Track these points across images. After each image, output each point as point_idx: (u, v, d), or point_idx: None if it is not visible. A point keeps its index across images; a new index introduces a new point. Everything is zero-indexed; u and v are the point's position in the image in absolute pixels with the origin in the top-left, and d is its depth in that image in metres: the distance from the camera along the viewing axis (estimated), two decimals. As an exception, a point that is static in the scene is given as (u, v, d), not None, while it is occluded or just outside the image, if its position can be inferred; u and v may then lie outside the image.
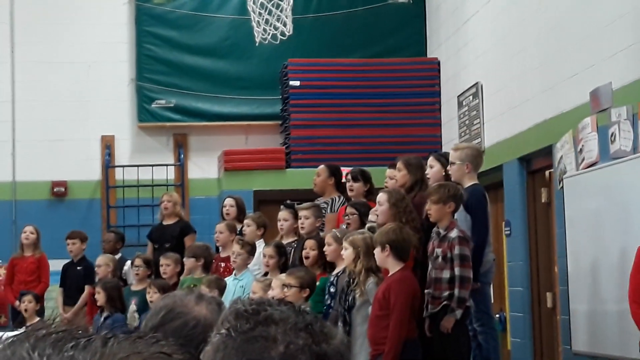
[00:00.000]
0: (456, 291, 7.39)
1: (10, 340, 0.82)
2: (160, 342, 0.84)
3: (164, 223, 11.51)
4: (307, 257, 8.68)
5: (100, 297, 10.15)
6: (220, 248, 10.40)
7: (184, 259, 10.17)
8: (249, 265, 9.48)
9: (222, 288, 9.04)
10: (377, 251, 7.46)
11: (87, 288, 11.47)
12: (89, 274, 11.56)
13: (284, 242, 9.50)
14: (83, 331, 0.83)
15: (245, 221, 10.07)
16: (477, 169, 8.30)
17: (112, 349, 0.81)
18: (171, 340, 0.86)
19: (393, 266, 7.46)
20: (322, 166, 10.14)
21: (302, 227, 9.30)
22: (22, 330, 0.85)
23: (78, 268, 11.66)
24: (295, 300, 7.92)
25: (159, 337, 0.85)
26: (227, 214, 10.67)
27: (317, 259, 8.64)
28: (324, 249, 8.49)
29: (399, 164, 8.72)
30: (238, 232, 10.18)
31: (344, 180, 9.98)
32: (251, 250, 9.45)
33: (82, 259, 11.76)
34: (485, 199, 8.12)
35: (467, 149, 8.47)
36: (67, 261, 11.77)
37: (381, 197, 8.11)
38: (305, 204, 9.60)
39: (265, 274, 9.11)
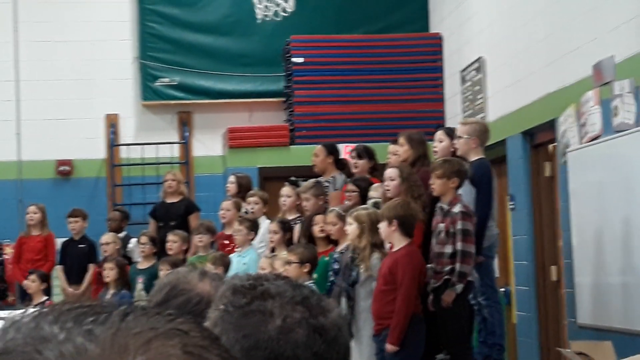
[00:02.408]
0: (457, 266, 7.42)
1: (34, 313, 0.85)
2: (178, 319, 0.86)
3: (168, 201, 11.53)
4: (319, 235, 8.72)
5: (112, 274, 10.19)
6: (224, 225, 10.43)
7: (194, 236, 10.22)
8: (253, 242, 9.51)
9: (227, 265, 9.08)
10: (383, 225, 7.48)
11: (91, 267, 11.50)
12: (91, 252, 11.59)
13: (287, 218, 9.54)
14: (106, 306, 0.85)
15: (252, 199, 10.07)
16: (484, 144, 8.30)
17: (129, 324, 0.83)
18: (189, 318, 0.88)
19: (399, 241, 7.49)
20: (319, 147, 10.16)
21: (306, 210, 9.33)
22: (29, 309, 0.87)
23: (80, 246, 11.67)
24: (296, 276, 7.96)
25: (177, 314, 0.87)
26: (228, 190, 10.73)
27: (327, 236, 8.69)
28: (329, 228, 8.52)
29: (401, 140, 8.73)
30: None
31: (343, 156, 10.01)
32: (251, 226, 9.47)
33: (83, 237, 11.77)
34: (491, 173, 8.13)
35: (475, 124, 8.48)
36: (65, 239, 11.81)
37: (392, 172, 8.12)
38: (304, 186, 9.61)
39: (273, 250, 9.15)
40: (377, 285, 7.55)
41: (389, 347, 7.36)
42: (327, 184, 9.77)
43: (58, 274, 11.68)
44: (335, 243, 8.63)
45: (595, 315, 8.15)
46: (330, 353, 1.53)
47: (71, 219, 11.74)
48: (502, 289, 10.04)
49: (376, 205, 8.17)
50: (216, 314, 1.58)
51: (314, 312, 1.55)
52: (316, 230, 8.76)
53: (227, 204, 10.42)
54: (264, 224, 9.68)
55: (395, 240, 7.52)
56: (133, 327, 0.82)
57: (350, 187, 8.92)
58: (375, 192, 8.52)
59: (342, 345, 1.56)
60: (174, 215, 11.33)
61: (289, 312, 1.54)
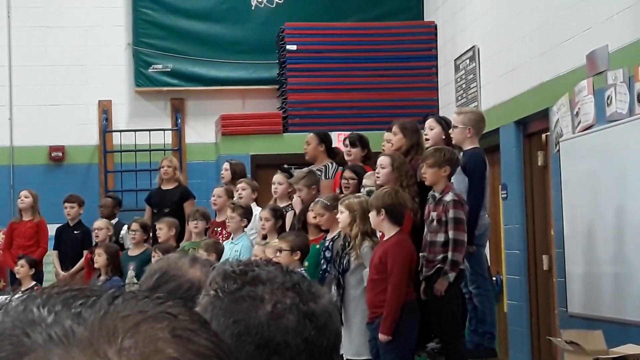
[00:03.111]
0: (450, 254, 7.42)
1: (23, 297, 0.85)
2: (167, 303, 0.86)
3: (163, 188, 11.52)
4: (312, 223, 8.73)
5: (101, 260, 10.20)
6: (216, 212, 10.43)
7: (190, 222, 10.22)
8: (246, 229, 9.51)
9: (219, 252, 9.08)
10: (372, 215, 7.49)
11: (85, 252, 11.50)
12: (86, 238, 11.59)
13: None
14: (95, 290, 0.85)
15: (240, 185, 10.08)
16: (479, 134, 8.30)
17: (117, 307, 0.83)
18: (178, 301, 0.88)
19: (389, 230, 7.50)
20: (311, 134, 10.14)
21: (301, 200, 9.34)
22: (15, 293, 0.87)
23: (75, 232, 11.68)
24: (287, 264, 7.95)
25: (166, 297, 0.87)
26: (222, 177, 10.74)
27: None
28: (317, 219, 8.52)
29: (395, 128, 8.72)
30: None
31: (336, 145, 10.00)
32: (244, 213, 9.47)
33: (78, 223, 11.78)
34: (484, 162, 8.13)
35: (471, 113, 8.48)
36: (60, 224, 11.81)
37: (384, 160, 8.12)
38: (296, 176, 9.60)
39: (265, 237, 9.15)
40: (369, 275, 7.56)
41: (382, 337, 7.37)
42: (318, 173, 9.76)
43: (53, 259, 11.69)
44: (328, 231, 8.63)
45: (586, 305, 8.17)
46: (320, 339, 1.53)
47: (67, 205, 11.74)
48: (494, 278, 10.06)
49: (370, 193, 8.17)
50: (206, 299, 1.57)
51: (304, 298, 1.54)
52: (310, 216, 8.75)
53: (218, 190, 10.43)
54: (254, 211, 9.69)
55: (385, 229, 7.53)
56: (121, 311, 0.82)
57: (349, 174, 8.90)
58: (369, 180, 8.51)
59: (332, 332, 1.56)
60: (169, 202, 11.32)
61: (280, 297, 1.53)
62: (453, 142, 8.20)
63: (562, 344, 6.59)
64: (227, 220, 9.53)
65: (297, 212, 9.18)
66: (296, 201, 9.36)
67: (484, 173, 8.07)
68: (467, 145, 8.13)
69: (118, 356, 0.78)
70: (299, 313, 1.52)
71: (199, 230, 10.13)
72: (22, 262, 10.86)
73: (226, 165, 10.89)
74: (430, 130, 8.50)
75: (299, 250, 8.09)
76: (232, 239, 9.50)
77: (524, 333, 9.72)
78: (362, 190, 8.53)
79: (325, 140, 10.08)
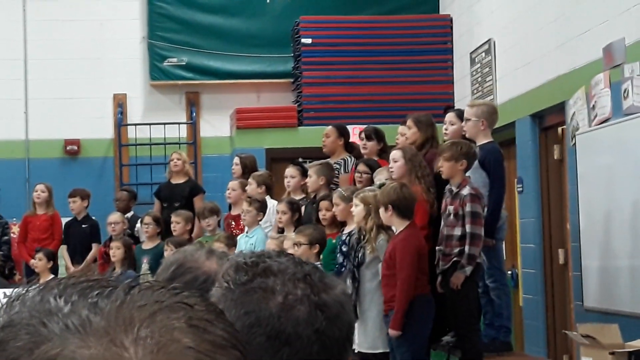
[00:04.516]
0: (466, 248, 7.42)
1: (40, 287, 0.85)
2: (183, 293, 0.86)
3: (173, 182, 11.53)
4: (324, 218, 8.73)
5: (119, 253, 10.23)
6: (231, 206, 10.44)
7: (202, 221, 10.23)
8: (260, 222, 9.53)
9: (235, 245, 9.10)
10: (381, 212, 7.49)
11: (94, 246, 11.52)
12: (94, 232, 11.61)
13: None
14: (112, 281, 0.85)
15: (249, 180, 10.12)
16: (492, 126, 8.29)
17: (134, 297, 0.83)
18: (194, 292, 0.88)
19: (398, 225, 7.49)
20: (330, 127, 10.13)
21: (308, 187, 9.37)
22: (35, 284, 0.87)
23: (83, 226, 11.68)
24: (306, 257, 7.97)
25: (182, 288, 0.87)
26: (233, 172, 10.74)
27: (333, 219, 8.68)
28: (333, 209, 8.53)
29: (409, 122, 8.72)
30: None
31: (352, 140, 10.00)
32: (260, 207, 9.48)
33: (86, 217, 11.77)
34: (501, 157, 8.13)
35: (483, 105, 8.46)
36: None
37: (396, 153, 8.12)
38: (312, 163, 9.62)
39: (281, 231, 9.15)
40: (382, 270, 7.57)
41: (391, 332, 7.38)
42: (337, 166, 9.77)
43: (62, 254, 11.71)
44: (342, 226, 8.63)
45: (602, 299, 8.15)
46: (332, 330, 1.52)
47: (70, 199, 11.73)
48: (509, 272, 10.05)
49: (382, 187, 8.16)
50: (219, 291, 1.57)
51: (315, 289, 1.53)
52: (320, 215, 8.76)
53: (233, 184, 10.44)
54: (268, 204, 9.70)
55: (394, 224, 7.52)
56: (138, 300, 0.83)
57: (362, 168, 8.91)
58: (381, 176, 8.50)
59: (345, 323, 1.55)
60: (179, 197, 11.33)
61: (291, 289, 1.52)
62: (467, 135, 8.18)
63: (578, 337, 6.57)
64: (242, 214, 9.53)
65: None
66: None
67: (502, 168, 8.08)
68: (480, 138, 8.11)
69: (134, 345, 0.78)
70: (310, 304, 1.51)
71: (212, 227, 10.14)
72: (39, 255, 10.88)
73: (236, 159, 10.87)
74: (451, 126, 8.48)
75: (317, 243, 8.09)
76: (246, 232, 9.51)
77: (539, 327, 9.70)
78: (375, 183, 8.53)
79: (344, 133, 10.08)
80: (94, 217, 11.76)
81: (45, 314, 0.81)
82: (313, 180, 9.30)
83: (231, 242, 9.14)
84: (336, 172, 9.68)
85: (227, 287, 1.55)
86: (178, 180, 11.50)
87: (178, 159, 11.56)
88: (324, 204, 8.78)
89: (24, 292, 0.85)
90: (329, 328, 1.51)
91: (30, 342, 0.79)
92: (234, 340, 0.84)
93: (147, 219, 10.70)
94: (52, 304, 0.82)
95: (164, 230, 10.66)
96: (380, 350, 7.69)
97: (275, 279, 1.53)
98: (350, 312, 1.60)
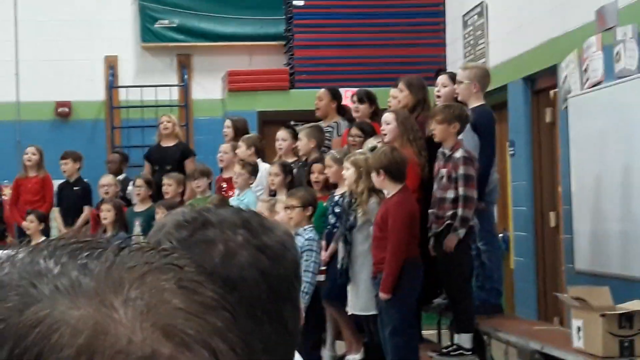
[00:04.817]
0: (460, 210, 7.43)
1: (30, 249, 0.85)
2: (173, 255, 0.86)
3: (163, 145, 11.49)
4: (316, 182, 8.74)
5: (110, 216, 10.23)
6: (222, 169, 10.44)
7: (192, 182, 10.22)
8: (251, 185, 9.53)
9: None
10: (373, 176, 7.49)
11: (86, 208, 11.51)
12: (86, 194, 11.58)
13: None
14: (101, 242, 0.85)
15: (239, 142, 10.10)
16: (484, 89, 8.28)
17: (123, 258, 0.83)
18: (184, 253, 0.88)
19: (391, 188, 7.49)
20: (323, 90, 10.11)
21: (298, 150, 9.38)
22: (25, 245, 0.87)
23: (75, 188, 11.65)
24: (299, 220, 7.99)
25: (172, 250, 0.87)
26: (225, 135, 10.70)
27: (325, 182, 8.70)
28: (325, 171, 8.54)
29: (401, 85, 8.71)
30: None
31: (344, 103, 9.98)
32: (252, 170, 9.49)
33: (78, 179, 11.73)
34: (493, 120, 8.13)
35: (475, 68, 8.45)
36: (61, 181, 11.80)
37: (388, 116, 8.12)
38: (303, 126, 9.62)
39: (273, 193, 9.16)
40: (373, 233, 7.57)
41: (382, 295, 7.40)
42: (329, 129, 9.76)
43: (55, 216, 11.70)
44: (333, 189, 8.65)
45: (593, 261, 8.18)
46: (277, 269, 1.55)
47: (61, 162, 11.69)
48: (501, 235, 10.08)
49: (373, 150, 8.16)
50: None
51: (255, 233, 1.57)
52: (312, 178, 8.78)
53: (225, 146, 10.43)
54: (260, 167, 9.70)
55: (387, 188, 7.52)
56: (127, 262, 0.83)
57: (355, 131, 8.90)
58: (374, 140, 8.49)
59: (289, 261, 1.59)
60: (170, 160, 11.30)
61: (231, 236, 1.55)
62: (459, 98, 8.17)
63: (568, 300, 6.61)
64: (234, 177, 9.53)
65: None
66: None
67: (493, 131, 8.08)
68: (473, 101, 8.10)
69: (124, 306, 0.78)
70: (251, 248, 1.55)
71: (202, 189, 10.13)
72: (31, 217, 10.86)
73: (227, 122, 10.84)
74: (444, 88, 8.47)
75: (310, 205, 8.09)
76: (237, 194, 9.52)
77: (530, 290, 9.75)
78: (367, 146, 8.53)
79: (337, 96, 10.07)
80: (86, 180, 11.73)
81: (35, 275, 0.81)
82: (304, 143, 9.31)
83: (223, 205, 9.13)
84: (328, 135, 9.68)
85: (170, 245, 1.57)
86: (168, 143, 11.46)
87: (168, 122, 11.52)
88: (316, 166, 8.79)
89: (13, 253, 0.85)
90: (273, 268, 1.55)
91: (20, 303, 0.79)
92: (224, 301, 0.84)
93: (139, 182, 10.69)
94: (41, 265, 0.82)
95: (155, 192, 10.65)
96: (373, 312, 7.72)
97: (214, 230, 1.56)
98: (293, 249, 1.63)
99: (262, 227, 1.58)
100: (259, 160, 9.86)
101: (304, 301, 7.76)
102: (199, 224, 1.57)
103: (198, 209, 1.62)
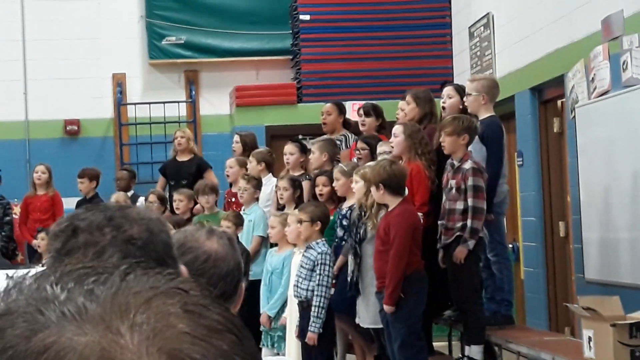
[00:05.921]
0: (469, 222, 7.42)
1: (37, 275, 0.86)
2: (179, 279, 0.87)
3: (178, 159, 11.51)
4: (320, 194, 8.74)
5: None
6: (231, 184, 10.45)
7: (200, 198, 10.19)
8: (259, 199, 9.54)
9: (240, 223, 9.11)
10: (373, 190, 7.48)
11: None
12: None
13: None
14: (108, 267, 0.86)
15: (249, 158, 10.12)
16: (493, 100, 8.28)
17: (129, 283, 0.84)
18: (190, 277, 0.89)
19: (391, 202, 7.47)
20: (330, 105, 10.13)
21: (309, 164, 9.38)
22: (34, 268, 0.88)
23: None
24: (309, 234, 7.99)
25: (177, 273, 0.87)
26: (234, 150, 10.73)
27: (330, 194, 8.69)
28: (334, 184, 8.54)
29: (408, 97, 8.72)
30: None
31: (350, 114, 10.01)
32: (257, 184, 9.50)
33: (94, 196, 11.76)
34: (501, 131, 8.12)
35: (484, 79, 8.45)
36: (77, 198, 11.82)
37: (397, 129, 8.12)
38: (315, 140, 9.63)
39: (281, 207, 9.16)
40: (375, 246, 7.55)
41: (386, 307, 7.38)
42: (337, 142, 9.78)
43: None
44: (339, 201, 8.65)
45: (603, 271, 8.16)
46: (148, 253, 1.62)
47: (78, 180, 11.74)
48: (510, 245, 10.06)
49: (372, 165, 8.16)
50: (49, 262, 1.65)
51: (121, 228, 1.63)
52: (316, 191, 8.78)
53: (231, 161, 10.45)
54: (269, 182, 9.70)
55: (387, 202, 7.50)
56: (133, 287, 0.83)
57: (361, 145, 8.92)
58: (385, 147, 8.49)
59: (159, 243, 1.66)
60: (186, 174, 11.31)
61: (98, 237, 1.61)
62: (468, 110, 8.18)
63: (579, 310, 6.59)
64: (239, 191, 9.54)
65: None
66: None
67: (501, 141, 8.07)
68: (482, 113, 8.10)
69: (130, 332, 0.79)
70: (119, 242, 1.61)
71: (210, 205, 10.13)
72: (42, 235, 10.85)
73: (236, 137, 10.86)
74: (449, 99, 8.47)
75: (319, 220, 8.09)
76: (243, 209, 9.52)
77: (541, 300, 9.73)
78: (378, 157, 8.53)
79: (343, 111, 10.11)
80: (102, 198, 11.75)
81: (42, 301, 0.82)
82: (316, 156, 9.31)
83: (239, 221, 9.12)
84: (338, 148, 9.69)
85: (51, 256, 1.62)
86: (183, 157, 11.48)
87: (182, 137, 11.53)
88: (320, 179, 8.79)
89: (21, 280, 0.86)
90: (143, 254, 1.61)
91: (27, 330, 0.79)
92: (230, 324, 0.85)
93: (152, 197, 10.69)
94: (48, 291, 0.83)
95: (168, 208, 10.65)
96: (382, 326, 7.71)
97: (84, 234, 1.62)
98: (161, 232, 1.68)
99: (126, 221, 1.63)
100: (269, 175, 9.87)
101: (320, 316, 7.77)
102: (69, 232, 1.63)
103: (69, 216, 1.68)
